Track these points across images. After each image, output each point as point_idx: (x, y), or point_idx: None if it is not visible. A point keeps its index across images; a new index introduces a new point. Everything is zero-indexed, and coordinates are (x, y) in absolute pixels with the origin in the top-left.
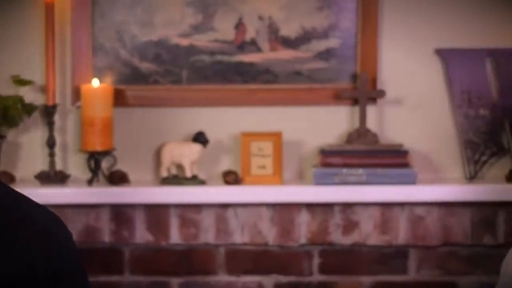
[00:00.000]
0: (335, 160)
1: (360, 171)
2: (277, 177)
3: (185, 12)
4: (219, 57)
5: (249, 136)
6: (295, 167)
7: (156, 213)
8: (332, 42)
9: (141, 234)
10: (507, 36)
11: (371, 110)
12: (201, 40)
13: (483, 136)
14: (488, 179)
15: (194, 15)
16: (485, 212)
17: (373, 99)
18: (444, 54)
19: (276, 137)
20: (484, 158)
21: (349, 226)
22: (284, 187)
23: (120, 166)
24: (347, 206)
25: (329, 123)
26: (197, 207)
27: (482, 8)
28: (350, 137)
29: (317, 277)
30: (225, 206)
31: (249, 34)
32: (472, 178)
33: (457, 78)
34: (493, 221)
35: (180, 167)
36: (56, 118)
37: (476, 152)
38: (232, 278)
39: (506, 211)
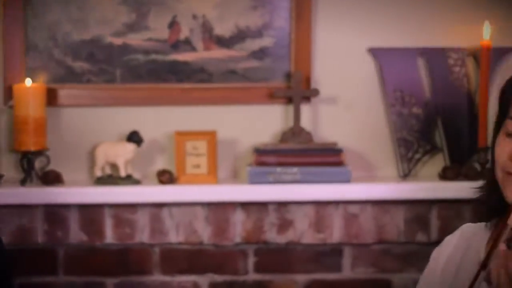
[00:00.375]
0: (270, 159)
1: (295, 170)
2: (212, 176)
3: (118, 11)
4: (153, 56)
5: (183, 135)
6: (230, 166)
7: (91, 213)
8: (266, 41)
9: (75, 234)
10: (438, 35)
11: (305, 109)
12: (135, 39)
13: (416, 134)
14: (422, 177)
15: (127, 14)
16: (418, 210)
17: (307, 98)
18: (377, 53)
19: (210, 136)
20: (417, 156)
21: (284, 225)
22: (219, 186)
23: (54, 166)
24: (281, 205)
25: (263, 122)
26: (132, 206)
27: (415, 8)
28: (285, 136)
29: (252, 276)
30: (160, 205)
31: (183, 33)
32: (405, 176)
33: (390, 77)
34: (426, 219)
35: (114, 166)
36: None
37: (410, 150)
38: (167, 278)
39: (439, 209)
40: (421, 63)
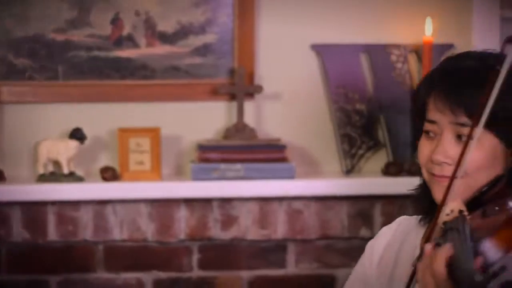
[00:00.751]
0: (213, 155)
1: (238, 166)
2: (156, 173)
3: (60, 7)
4: (95, 53)
5: (126, 132)
6: (174, 163)
7: (33, 210)
8: (209, 38)
9: (18, 232)
10: (381, 31)
11: (248, 105)
12: (77, 36)
13: (359, 130)
14: (365, 172)
15: (69, 10)
16: (361, 205)
17: (250, 95)
18: (320, 49)
19: (154, 133)
20: (360, 152)
21: (228, 221)
22: (162, 183)
23: None
24: (225, 201)
25: (207, 119)
26: (75, 204)
27: (358, 4)
28: (228, 132)
29: (197, 273)
30: (103, 202)
31: (126, 30)
32: (349, 172)
33: (333, 73)
34: (370, 214)
35: (57, 163)
36: None
37: (353, 146)
38: (111, 275)
39: (382, 204)
40: (364, 59)
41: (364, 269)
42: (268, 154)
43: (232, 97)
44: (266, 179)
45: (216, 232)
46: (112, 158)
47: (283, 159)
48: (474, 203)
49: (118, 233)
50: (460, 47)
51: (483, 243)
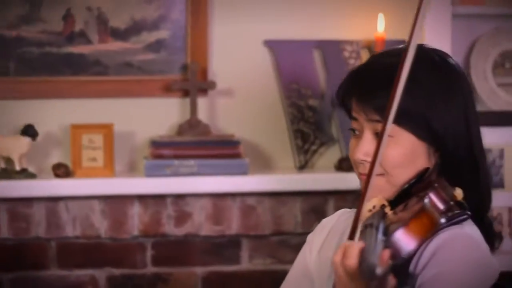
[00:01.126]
0: (166, 151)
1: (192, 162)
2: (109, 169)
3: (11, 2)
4: (47, 49)
5: (79, 128)
6: (127, 159)
7: None
8: (162, 34)
9: None
10: (334, 28)
11: (202, 102)
12: (29, 31)
13: (312, 126)
14: (318, 168)
15: (21, 5)
16: (315, 201)
17: (204, 91)
18: (273, 46)
19: (107, 129)
20: (314, 147)
21: (182, 217)
22: (115, 180)
23: None
24: (179, 198)
25: (160, 115)
26: (27, 201)
27: (310, 0)
28: (181, 129)
29: (150, 269)
30: (56, 199)
31: (78, 25)
32: (302, 167)
33: (286, 69)
34: (323, 209)
35: (9, 160)
36: None
37: (306, 142)
38: (64, 272)
39: (335, 199)
40: (316, 55)
41: (304, 260)
42: (222, 150)
43: (186, 93)
44: (219, 175)
45: (170, 228)
46: (65, 155)
47: (237, 155)
48: (402, 196)
49: (71, 230)
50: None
51: (395, 235)
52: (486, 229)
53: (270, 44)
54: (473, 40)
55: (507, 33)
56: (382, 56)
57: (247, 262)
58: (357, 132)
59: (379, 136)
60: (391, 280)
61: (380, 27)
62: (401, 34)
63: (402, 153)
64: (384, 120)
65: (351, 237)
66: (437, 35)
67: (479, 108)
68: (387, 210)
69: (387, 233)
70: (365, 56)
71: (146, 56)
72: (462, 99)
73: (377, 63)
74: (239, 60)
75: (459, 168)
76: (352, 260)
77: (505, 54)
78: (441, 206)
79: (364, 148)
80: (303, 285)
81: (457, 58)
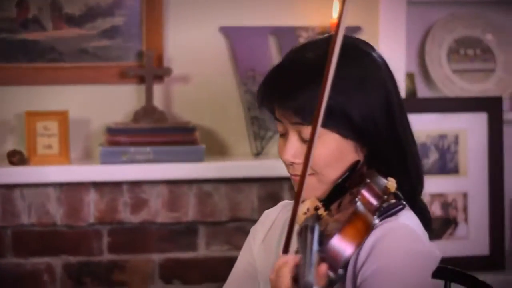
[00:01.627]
0: (122, 138)
1: (148, 149)
2: (64, 156)
3: None
4: (1, 35)
5: (34, 116)
6: (83, 146)
7: None
8: (117, 20)
9: None
10: (289, 14)
11: (158, 88)
12: None
13: (268, 112)
14: (274, 154)
15: None
16: (271, 187)
17: (159, 77)
18: (228, 32)
19: (62, 116)
20: (270, 134)
21: (138, 205)
22: (71, 167)
23: None
24: (135, 185)
25: (116, 102)
26: None
27: None
28: (137, 115)
29: (107, 256)
30: (10, 187)
31: (32, 12)
32: (258, 154)
33: (242, 56)
34: (279, 196)
35: None
36: None
37: (262, 129)
38: (20, 260)
39: (291, 185)
40: (272, 42)
41: (249, 251)
42: (178, 137)
43: (141, 80)
44: (175, 162)
45: (126, 215)
46: (20, 142)
47: (193, 142)
48: (337, 192)
49: (26, 218)
50: (367, 30)
51: (330, 244)
52: (421, 214)
53: (226, 31)
54: (428, 26)
55: (462, 19)
56: (297, 53)
57: (204, 249)
58: (283, 132)
59: (308, 140)
60: None
61: (335, 14)
62: (357, 20)
63: (329, 153)
64: (314, 123)
65: (286, 244)
66: (392, 22)
67: (434, 94)
68: (321, 211)
69: (323, 239)
70: None
71: (101, 43)
72: (383, 90)
73: (293, 62)
74: (195, 46)
75: (387, 158)
76: (285, 280)
77: (460, 40)
78: (374, 202)
79: (291, 151)
80: (247, 282)
81: (412, 45)
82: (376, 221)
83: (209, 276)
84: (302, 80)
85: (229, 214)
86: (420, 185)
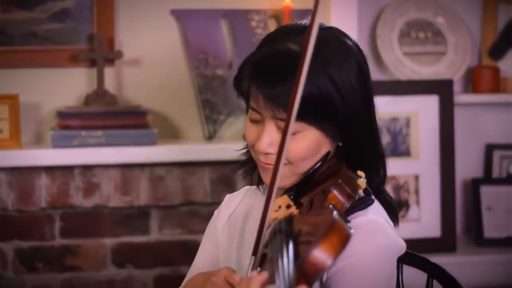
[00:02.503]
0: (74, 122)
1: (100, 133)
2: (15, 141)
3: None
4: None
5: None
6: (34, 130)
7: None
8: (67, 3)
9: None
10: None
11: (109, 72)
12: None
13: (220, 96)
14: (227, 138)
15: None
16: (224, 171)
17: (111, 61)
18: (180, 15)
19: (12, 100)
20: (222, 117)
21: (90, 189)
22: (22, 151)
23: None
24: (87, 169)
25: (67, 85)
26: None
27: None
28: (88, 99)
29: (59, 241)
30: None
31: None
32: (211, 137)
33: (194, 39)
34: (232, 179)
35: None
36: None
37: (214, 112)
38: None
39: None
40: (224, 24)
41: (209, 238)
42: (129, 121)
43: (92, 63)
44: (127, 145)
45: (78, 199)
46: None
47: (145, 125)
48: (306, 182)
49: None
50: (319, 13)
51: (308, 261)
52: (387, 204)
53: (177, 14)
54: (379, 9)
55: (413, 2)
56: (282, 42)
57: (157, 232)
58: (256, 120)
59: (283, 132)
60: None
61: None
62: (308, 4)
63: (307, 147)
64: (289, 111)
65: (256, 245)
66: (343, 5)
67: (386, 77)
68: (293, 209)
69: (297, 247)
70: (272, 26)
71: (52, 26)
72: (361, 77)
73: (279, 53)
74: (146, 29)
75: (361, 151)
76: None
77: (411, 23)
78: (345, 203)
79: (267, 140)
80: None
81: (363, 28)
82: (352, 230)
83: (161, 260)
84: (292, 73)
85: (182, 197)
86: (385, 175)
